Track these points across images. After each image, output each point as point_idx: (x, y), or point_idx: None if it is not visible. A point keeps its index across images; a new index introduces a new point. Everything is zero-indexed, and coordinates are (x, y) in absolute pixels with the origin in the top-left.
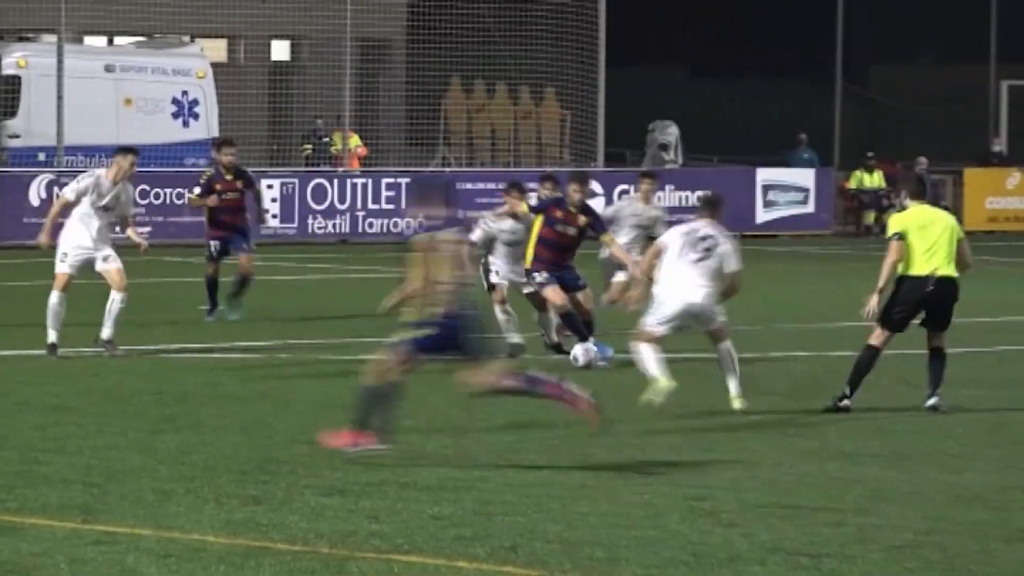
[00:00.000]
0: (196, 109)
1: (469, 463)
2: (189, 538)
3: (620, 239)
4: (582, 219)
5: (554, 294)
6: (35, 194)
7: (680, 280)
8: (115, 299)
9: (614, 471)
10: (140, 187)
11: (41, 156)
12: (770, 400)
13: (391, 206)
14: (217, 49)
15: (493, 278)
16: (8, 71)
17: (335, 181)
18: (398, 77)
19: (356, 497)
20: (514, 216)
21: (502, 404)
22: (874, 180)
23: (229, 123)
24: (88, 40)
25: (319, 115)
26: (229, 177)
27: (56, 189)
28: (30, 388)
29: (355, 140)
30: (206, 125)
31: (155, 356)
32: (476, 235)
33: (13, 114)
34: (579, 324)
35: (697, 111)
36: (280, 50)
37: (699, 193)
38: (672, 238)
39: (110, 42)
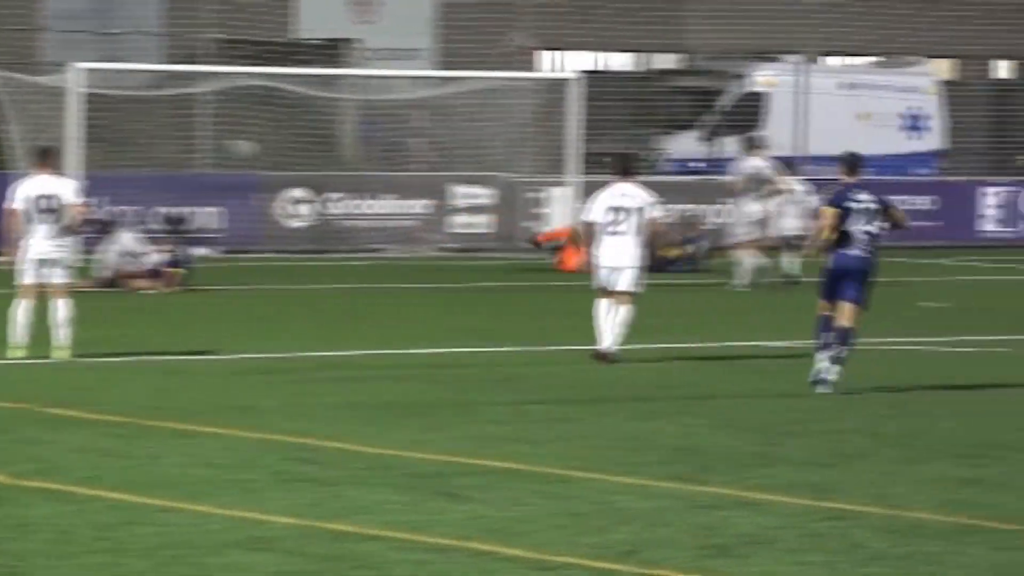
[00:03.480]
0: (923, 123)
1: None
2: (910, 515)
3: None
4: None
5: None
6: None
7: None
8: None
9: None
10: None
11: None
12: None
13: None
14: (944, 68)
15: None
16: (756, 88)
17: None
18: None
19: None
20: None
21: None
22: None
23: (953, 137)
24: (827, 61)
25: None
26: None
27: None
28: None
29: None
30: (934, 138)
31: None
32: None
33: (759, 126)
34: None
35: None
36: (1003, 70)
37: None
38: None
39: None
